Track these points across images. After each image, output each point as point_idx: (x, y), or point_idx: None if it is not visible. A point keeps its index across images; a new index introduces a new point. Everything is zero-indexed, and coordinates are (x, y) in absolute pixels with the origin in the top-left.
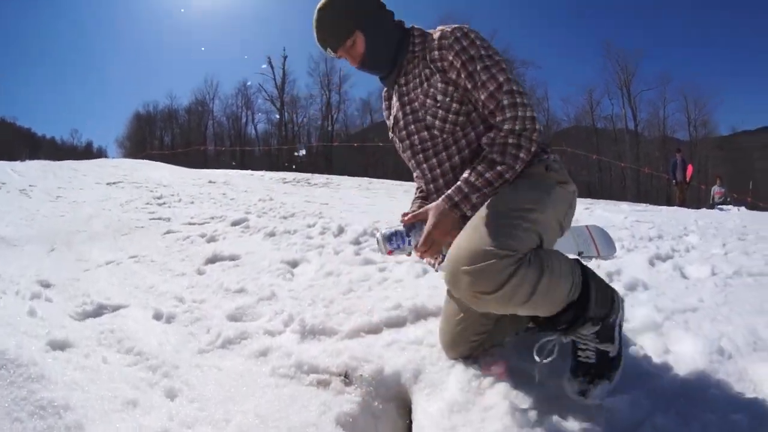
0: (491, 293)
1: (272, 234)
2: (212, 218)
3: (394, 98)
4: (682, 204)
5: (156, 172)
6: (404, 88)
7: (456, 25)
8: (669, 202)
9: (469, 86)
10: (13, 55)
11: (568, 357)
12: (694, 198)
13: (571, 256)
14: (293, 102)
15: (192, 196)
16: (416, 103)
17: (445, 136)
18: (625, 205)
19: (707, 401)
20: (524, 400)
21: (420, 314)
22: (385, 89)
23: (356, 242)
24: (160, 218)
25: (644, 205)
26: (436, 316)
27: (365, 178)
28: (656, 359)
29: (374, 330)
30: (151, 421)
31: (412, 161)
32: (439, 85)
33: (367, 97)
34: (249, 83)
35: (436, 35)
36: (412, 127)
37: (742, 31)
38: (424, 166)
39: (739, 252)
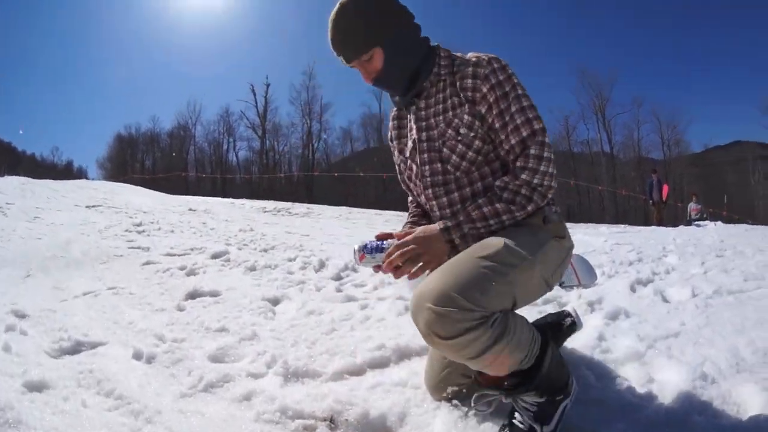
0: (443, 339)
1: (253, 269)
2: (192, 249)
3: (410, 121)
4: (660, 223)
5: (136, 198)
6: (423, 113)
7: (493, 55)
8: (647, 222)
9: (497, 125)
10: None
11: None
12: (671, 216)
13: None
14: (275, 130)
15: (172, 224)
16: (434, 131)
17: (458, 174)
18: (604, 228)
19: (691, 428)
20: None
21: (403, 354)
22: (396, 108)
23: (337, 278)
24: (139, 247)
25: (623, 226)
26: (420, 355)
27: (345, 208)
28: (640, 389)
29: (358, 372)
30: None
31: (422, 195)
32: (465, 117)
33: (348, 126)
34: (231, 110)
35: (470, 61)
36: (426, 156)
37: (708, 50)
38: (434, 203)
39: (718, 270)
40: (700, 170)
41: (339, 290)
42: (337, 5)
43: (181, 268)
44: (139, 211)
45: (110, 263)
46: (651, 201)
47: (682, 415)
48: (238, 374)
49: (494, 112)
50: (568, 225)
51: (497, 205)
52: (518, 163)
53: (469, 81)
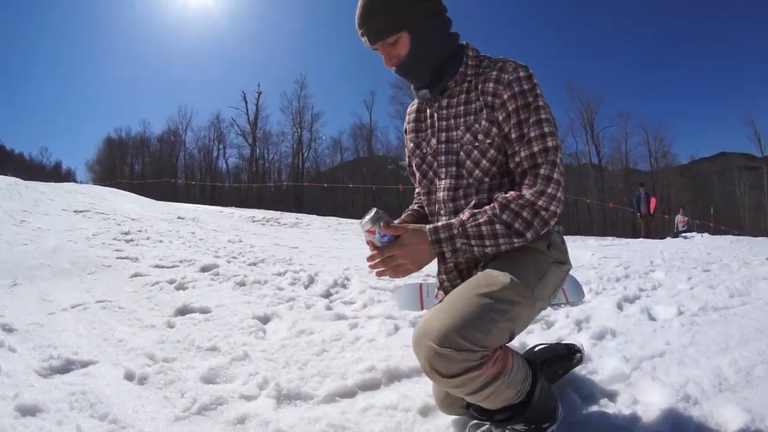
0: (443, 376)
1: (242, 284)
2: (181, 261)
3: (430, 118)
4: (648, 235)
5: (125, 204)
6: (444, 112)
7: (521, 63)
8: (635, 233)
9: (513, 135)
10: None
11: None
12: (659, 228)
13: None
14: (265, 138)
15: (161, 233)
16: (454, 133)
17: (471, 180)
18: (592, 241)
19: None
20: None
21: (393, 376)
22: (416, 102)
23: (327, 294)
24: (127, 257)
25: (611, 238)
26: (410, 377)
27: (334, 218)
28: (625, 411)
29: (349, 394)
30: None
31: (433, 195)
32: (484, 122)
33: (338, 135)
34: (221, 116)
35: (497, 65)
36: (443, 158)
37: (694, 63)
38: (442, 206)
39: (705, 286)
40: (687, 181)
41: (329, 308)
42: None
43: (171, 282)
44: (127, 218)
45: (98, 274)
46: (639, 214)
47: None
48: (231, 396)
49: (512, 122)
50: None
51: (497, 227)
52: (525, 179)
53: (491, 85)
